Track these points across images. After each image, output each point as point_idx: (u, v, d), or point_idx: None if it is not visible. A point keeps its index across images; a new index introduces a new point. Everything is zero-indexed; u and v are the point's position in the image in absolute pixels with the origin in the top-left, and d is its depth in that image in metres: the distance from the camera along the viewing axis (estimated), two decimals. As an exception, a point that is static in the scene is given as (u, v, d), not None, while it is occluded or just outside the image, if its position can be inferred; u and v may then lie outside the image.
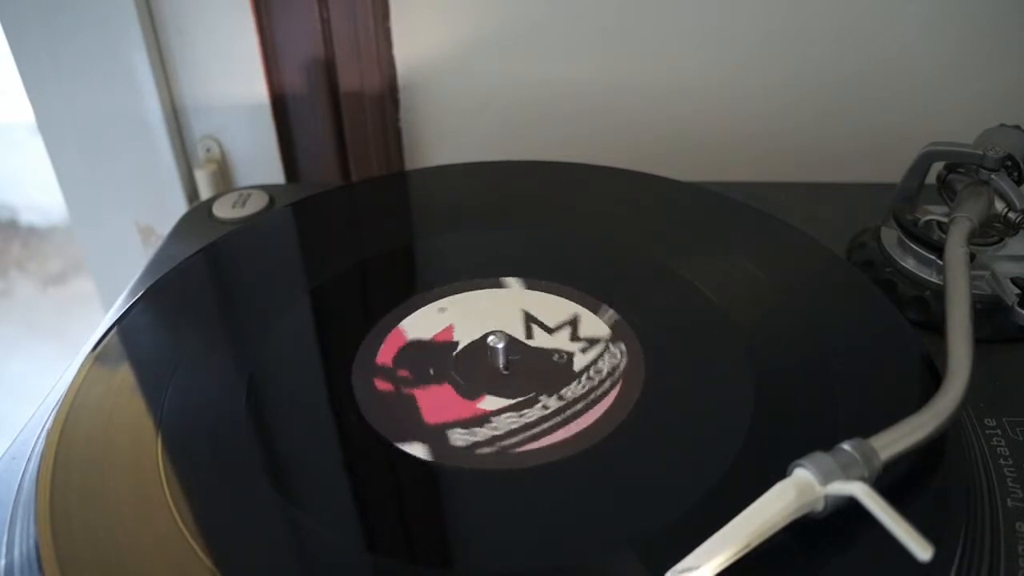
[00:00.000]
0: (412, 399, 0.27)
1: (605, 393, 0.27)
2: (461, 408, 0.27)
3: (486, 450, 0.25)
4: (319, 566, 0.22)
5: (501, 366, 0.28)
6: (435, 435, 0.26)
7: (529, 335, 0.30)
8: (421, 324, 0.31)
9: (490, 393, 0.27)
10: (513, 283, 0.32)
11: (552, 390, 0.27)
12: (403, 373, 0.29)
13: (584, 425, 0.26)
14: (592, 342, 0.29)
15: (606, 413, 0.26)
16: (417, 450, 0.25)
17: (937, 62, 0.47)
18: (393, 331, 0.30)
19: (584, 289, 0.32)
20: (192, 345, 0.30)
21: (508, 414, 0.27)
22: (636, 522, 0.23)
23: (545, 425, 0.26)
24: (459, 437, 0.26)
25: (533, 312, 0.31)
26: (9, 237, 1.09)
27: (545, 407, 0.27)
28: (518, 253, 0.35)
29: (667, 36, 0.48)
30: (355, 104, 0.50)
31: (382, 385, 0.28)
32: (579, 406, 0.26)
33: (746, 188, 0.39)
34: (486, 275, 0.33)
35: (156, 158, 0.52)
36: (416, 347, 0.30)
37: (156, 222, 0.54)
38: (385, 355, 0.29)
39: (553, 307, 0.31)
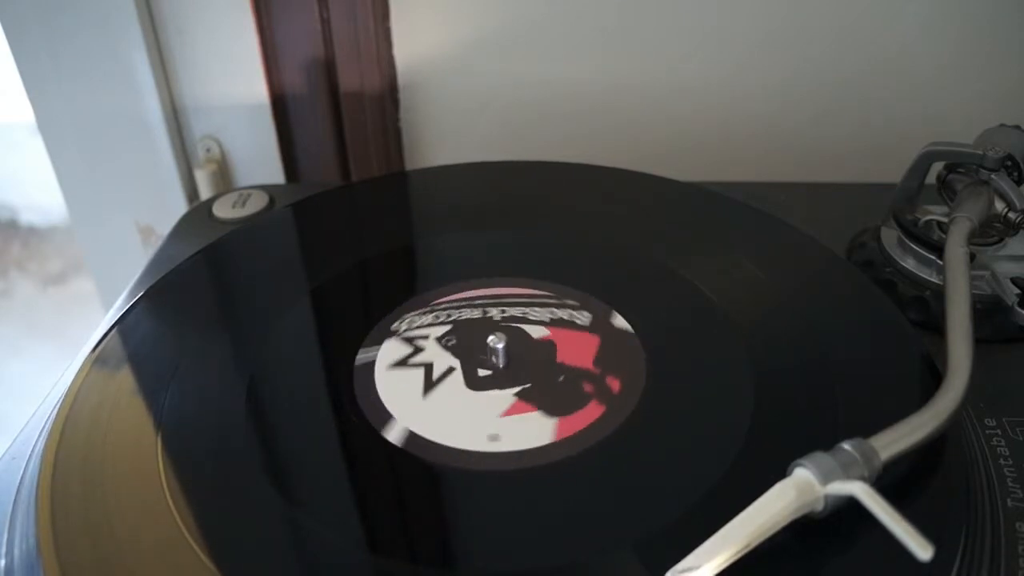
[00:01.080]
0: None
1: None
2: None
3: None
4: (319, 566, 0.22)
5: (501, 365, 0.28)
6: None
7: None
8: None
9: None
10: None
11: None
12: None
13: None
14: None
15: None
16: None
17: (937, 62, 0.47)
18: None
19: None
20: (192, 345, 0.30)
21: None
22: (636, 522, 0.22)
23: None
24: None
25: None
26: (9, 237, 1.09)
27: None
28: (518, 253, 0.35)
29: (667, 36, 0.48)
30: (355, 104, 0.50)
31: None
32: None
33: (746, 188, 0.39)
34: (484, 275, 0.33)
35: (156, 158, 0.52)
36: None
37: (156, 222, 0.54)
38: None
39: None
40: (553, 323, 0.30)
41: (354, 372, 0.28)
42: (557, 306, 0.31)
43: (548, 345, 0.30)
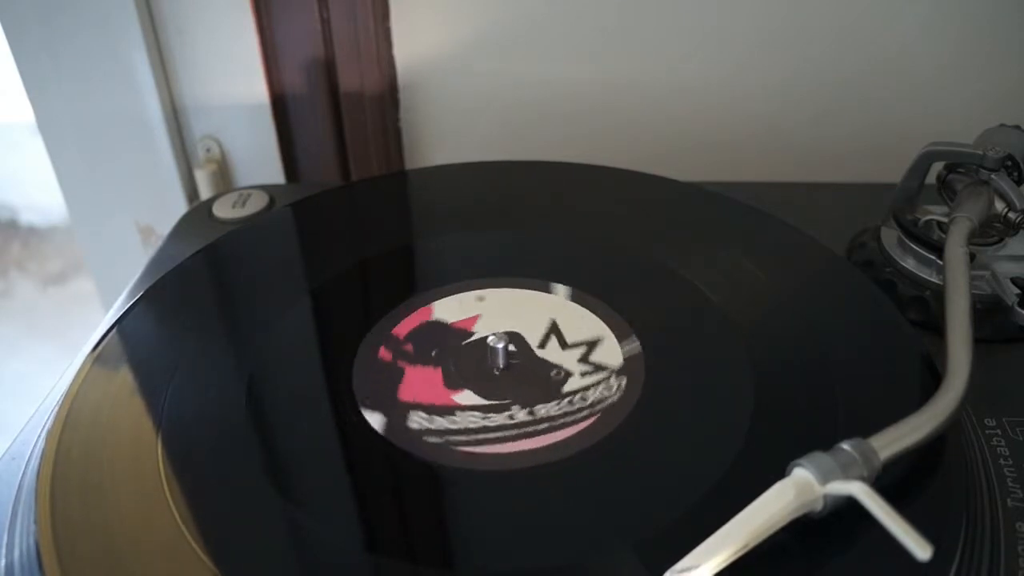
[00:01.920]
0: (400, 373, 0.28)
1: (577, 421, 0.26)
2: (436, 394, 0.27)
3: (433, 440, 0.25)
4: (319, 566, 0.22)
5: (499, 366, 0.28)
6: (398, 411, 0.27)
7: (543, 344, 0.29)
8: (453, 308, 0.31)
9: (471, 389, 0.28)
10: (560, 291, 0.32)
11: (528, 403, 0.27)
12: (408, 347, 0.29)
13: (538, 445, 0.25)
14: (598, 369, 0.28)
15: (566, 440, 0.25)
16: (375, 420, 0.26)
17: (937, 62, 0.47)
18: (423, 308, 0.31)
19: (606, 302, 0.32)
20: (192, 345, 0.30)
21: (474, 413, 0.27)
22: (636, 522, 0.23)
23: (501, 434, 0.26)
24: (417, 420, 0.26)
25: (560, 323, 0.30)
26: (9, 237, 1.09)
27: (511, 417, 0.26)
28: (518, 253, 0.35)
29: (667, 36, 0.48)
30: (355, 104, 0.50)
31: (384, 353, 0.29)
32: (544, 425, 0.26)
33: (746, 188, 0.39)
34: (485, 275, 0.33)
35: (156, 158, 0.52)
36: (435, 327, 0.30)
37: (156, 222, 0.54)
38: (404, 327, 0.30)
39: (582, 324, 0.30)
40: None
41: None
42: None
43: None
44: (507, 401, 0.27)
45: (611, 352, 0.29)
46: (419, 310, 0.31)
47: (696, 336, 0.30)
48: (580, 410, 0.26)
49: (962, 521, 0.22)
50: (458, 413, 0.27)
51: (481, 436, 0.26)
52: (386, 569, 0.22)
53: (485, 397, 0.27)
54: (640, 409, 0.26)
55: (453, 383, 0.28)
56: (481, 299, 0.32)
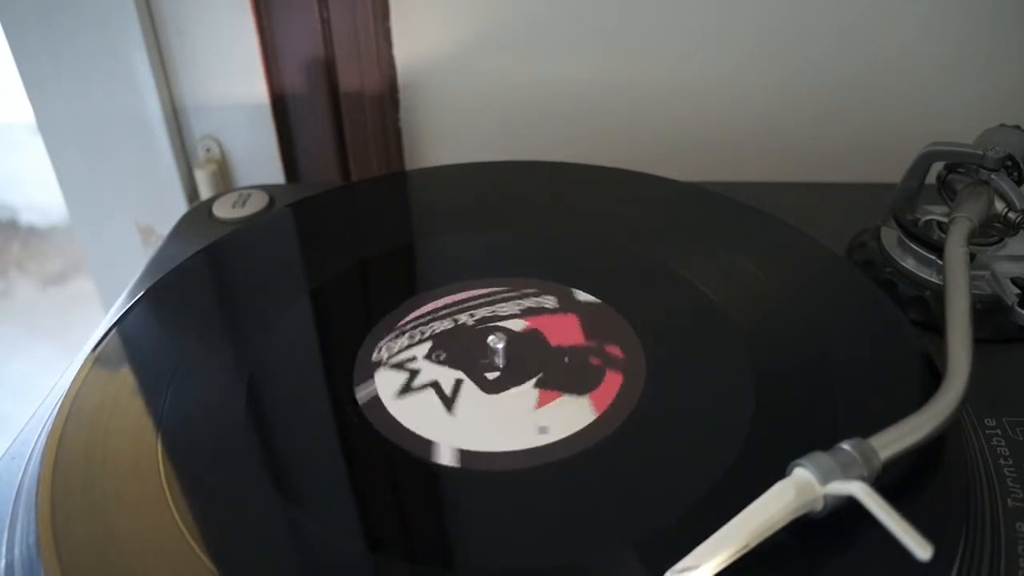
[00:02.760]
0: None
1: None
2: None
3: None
4: (319, 566, 0.22)
5: (498, 366, 0.28)
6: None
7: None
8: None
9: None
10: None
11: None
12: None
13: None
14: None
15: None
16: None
17: (937, 62, 0.47)
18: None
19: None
20: (192, 345, 0.30)
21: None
22: (636, 522, 0.23)
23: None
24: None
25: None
26: (9, 237, 1.09)
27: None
28: (518, 253, 0.35)
29: (667, 36, 0.48)
30: (355, 104, 0.50)
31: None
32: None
33: (746, 188, 0.39)
34: (483, 275, 0.33)
35: (156, 158, 0.52)
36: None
37: (156, 222, 0.54)
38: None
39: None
40: (526, 313, 0.31)
41: (364, 411, 0.27)
42: (519, 297, 0.32)
43: (535, 334, 0.30)
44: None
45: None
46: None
47: (696, 336, 0.30)
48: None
49: (962, 521, 0.22)
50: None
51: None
52: (386, 569, 0.22)
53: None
54: (640, 409, 0.26)
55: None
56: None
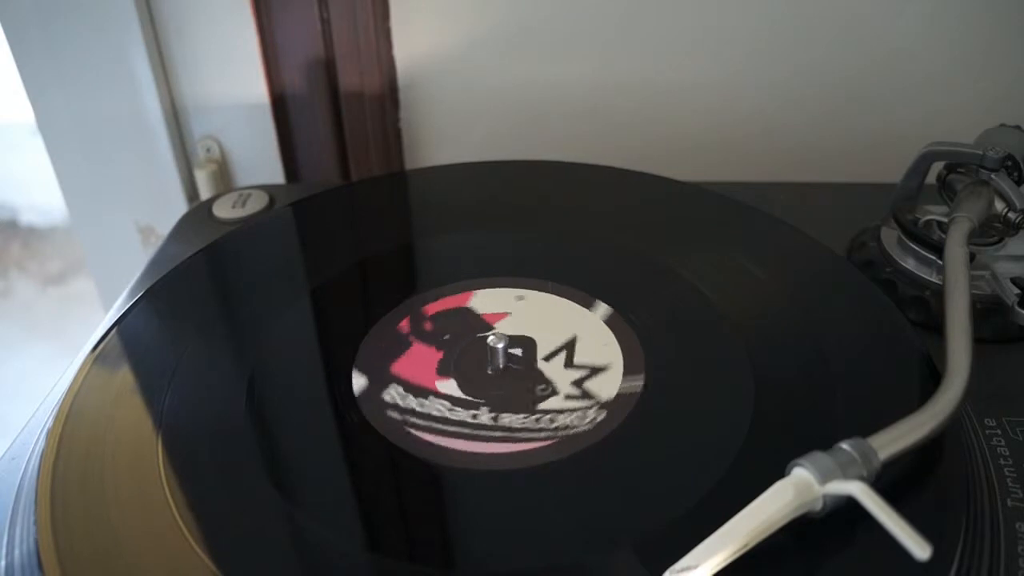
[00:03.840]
0: (407, 346, 0.30)
1: (534, 440, 0.25)
2: (423, 376, 0.28)
3: (393, 415, 0.26)
4: (319, 566, 0.22)
5: (496, 367, 0.28)
6: (381, 380, 0.28)
7: (549, 357, 0.29)
8: (489, 301, 0.32)
9: (456, 380, 0.28)
10: (599, 310, 0.31)
11: (497, 408, 0.27)
12: (427, 325, 0.30)
13: (490, 451, 0.25)
14: (585, 396, 0.27)
15: (515, 454, 0.25)
16: (357, 382, 0.28)
17: (937, 62, 0.47)
18: (462, 294, 0.32)
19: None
20: (192, 345, 0.30)
21: (443, 402, 0.27)
22: (635, 522, 0.23)
23: (457, 430, 0.26)
24: (391, 393, 0.27)
25: (579, 341, 0.30)
26: (9, 237, 1.09)
27: (475, 416, 0.26)
28: (517, 253, 0.35)
29: (667, 36, 0.48)
30: (355, 104, 0.50)
31: (404, 325, 0.30)
32: (499, 434, 0.26)
33: (746, 188, 0.39)
34: (483, 276, 0.33)
35: (156, 158, 0.52)
36: (465, 315, 0.31)
37: (156, 222, 0.54)
38: (437, 307, 0.31)
39: (601, 348, 0.29)
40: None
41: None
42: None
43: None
44: (480, 401, 0.27)
45: (610, 383, 0.28)
46: (458, 295, 0.32)
47: (696, 336, 0.30)
48: (542, 430, 0.26)
49: (962, 521, 0.22)
50: (430, 398, 0.27)
51: (438, 426, 0.26)
52: (386, 569, 0.22)
53: (464, 391, 0.27)
54: (640, 409, 0.26)
55: (444, 370, 0.28)
56: (520, 299, 0.32)
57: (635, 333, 0.29)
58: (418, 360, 0.29)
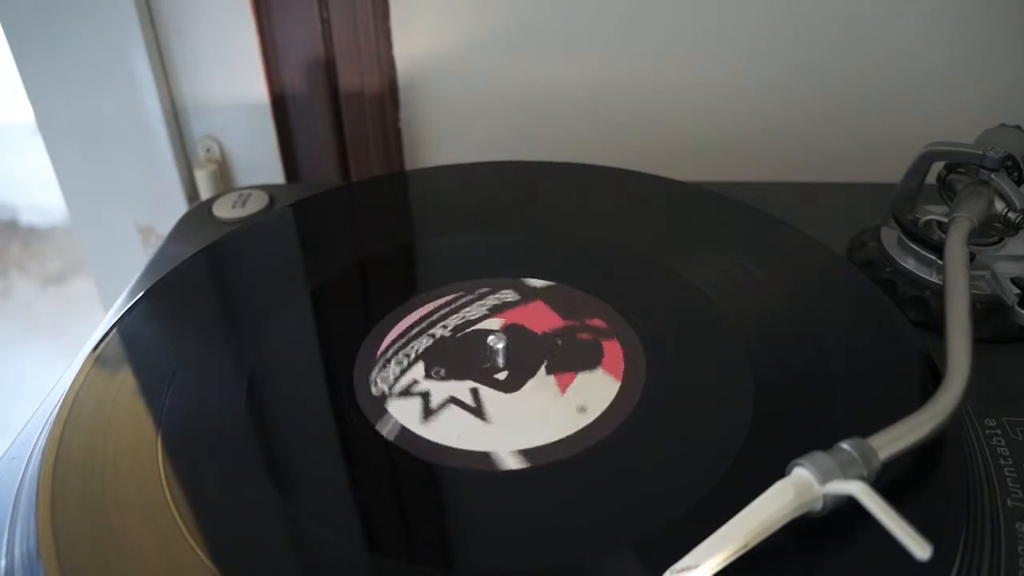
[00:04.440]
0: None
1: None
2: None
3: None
4: (319, 566, 0.22)
5: (497, 365, 0.28)
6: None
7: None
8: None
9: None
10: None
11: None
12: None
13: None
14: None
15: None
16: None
17: (937, 62, 0.47)
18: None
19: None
20: (192, 345, 0.30)
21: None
22: (635, 522, 0.23)
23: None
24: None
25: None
26: (9, 237, 1.09)
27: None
28: (517, 253, 0.35)
29: (667, 36, 0.48)
30: (355, 104, 0.50)
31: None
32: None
33: (746, 188, 0.39)
34: (483, 276, 0.33)
35: (156, 158, 0.52)
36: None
37: (156, 222, 0.54)
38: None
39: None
40: (494, 310, 0.31)
41: (398, 444, 0.26)
42: (478, 299, 0.32)
43: (517, 328, 0.30)
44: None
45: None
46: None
47: (696, 336, 0.30)
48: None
49: (962, 521, 0.22)
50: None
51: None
52: (386, 569, 0.22)
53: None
54: (640, 409, 0.26)
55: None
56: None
57: (635, 333, 0.29)
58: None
